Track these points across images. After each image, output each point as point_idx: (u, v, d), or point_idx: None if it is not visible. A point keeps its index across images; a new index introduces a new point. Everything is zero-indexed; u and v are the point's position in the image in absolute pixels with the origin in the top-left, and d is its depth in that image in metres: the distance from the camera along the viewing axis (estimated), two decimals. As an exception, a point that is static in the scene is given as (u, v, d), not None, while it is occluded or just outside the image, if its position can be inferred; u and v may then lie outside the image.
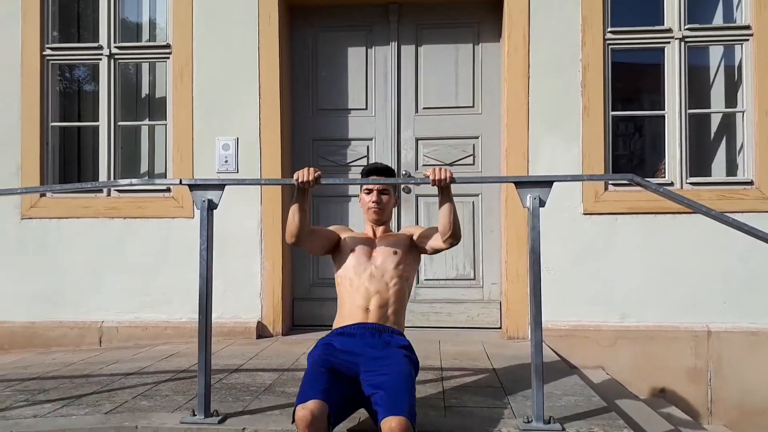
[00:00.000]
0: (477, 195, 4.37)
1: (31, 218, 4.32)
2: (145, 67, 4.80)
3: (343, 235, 2.64)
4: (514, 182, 2.37)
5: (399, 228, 4.21)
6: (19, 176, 4.30)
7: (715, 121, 4.59)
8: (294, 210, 2.44)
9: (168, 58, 4.31)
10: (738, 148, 4.24)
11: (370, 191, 2.60)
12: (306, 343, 3.88)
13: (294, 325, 4.39)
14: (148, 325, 4.17)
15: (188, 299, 4.13)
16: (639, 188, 3.95)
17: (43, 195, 4.34)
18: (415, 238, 2.61)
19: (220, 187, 2.43)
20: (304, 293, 4.43)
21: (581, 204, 4.02)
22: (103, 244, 4.26)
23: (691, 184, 4.03)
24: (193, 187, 2.44)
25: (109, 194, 4.33)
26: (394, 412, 1.96)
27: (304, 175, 2.39)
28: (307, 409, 1.98)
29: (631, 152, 4.99)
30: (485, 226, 4.36)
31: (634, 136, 5.04)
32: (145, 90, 4.84)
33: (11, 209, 4.32)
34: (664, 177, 4.12)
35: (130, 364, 3.43)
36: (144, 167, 4.79)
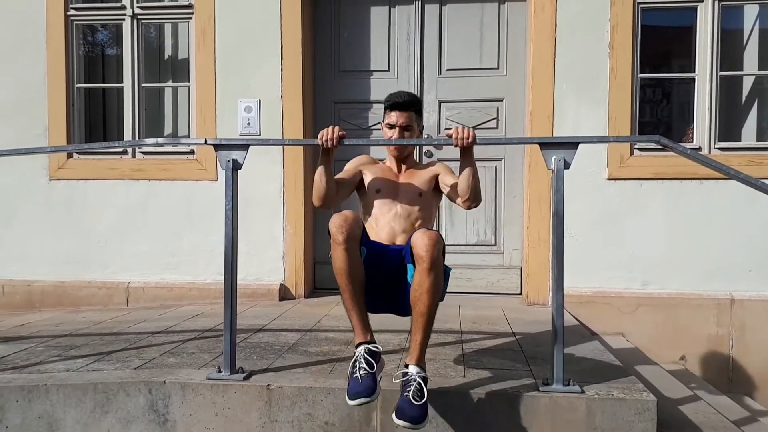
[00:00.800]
0: (500, 159, 4.33)
1: (58, 179, 4.40)
2: (167, 28, 4.78)
3: (364, 172, 2.63)
4: (538, 143, 2.34)
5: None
6: (46, 137, 4.36)
7: (747, 85, 4.45)
8: (320, 173, 2.44)
9: (190, 18, 4.29)
10: (770, 112, 4.13)
11: (391, 126, 2.56)
12: (328, 305, 3.94)
13: (315, 288, 4.44)
14: (174, 286, 4.26)
15: (212, 261, 4.20)
16: (665, 153, 3.93)
17: (70, 156, 4.40)
18: (440, 181, 2.59)
19: (244, 147, 2.44)
20: (325, 257, 4.36)
21: (606, 169, 3.97)
22: (128, 205, 4.33)
23: (719, 149, 3.95)
24: (218, 146, 2.45)
25: (134, 156, 4.38)
26: (424, 233, 2.15)
27: (327, 134, 2.39)
28: (342, 214, 2.19)
29: (658, 119, 4.88)
30: (507, 191, 4.33)
31: (662, 102, 4.91)
32: (167, 51, 4.83)
33: (39, 170, 4.39)
34: (692, 142, 4.04)
35: (156, 323, 3.52)
36: (168, 129, 4.82)
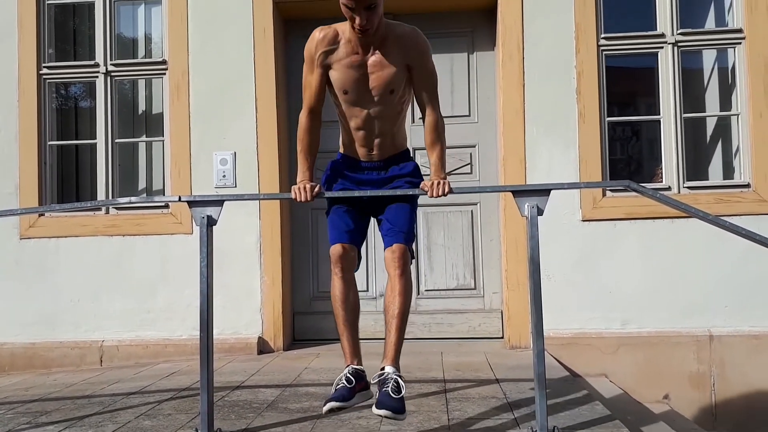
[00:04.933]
0: (476, 204, 4.37)
1: (29, 238, 4.31)
2: (141, 83, 4.81)
3: (329, 65, 2.37)
4: (511, 191, 2.37)
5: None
6: (17, 196, 4.30)
7: (711, 125, 4.60)
8: None
9: (164, 73, 4.33)
10: (734, 151, 4.26)
11: (351, 8, 2.19)
12: (308, 357, 3.87)
13: (295, 339, 4.37)
14: (149, 343, 4.15)
15: (189, 316, 4.12)
16: (636, 194, 4.00)
17: (41, 215, 4.34)
18: (414, 80, 2.41)
19: (219, 203, 2.42)
20: (304, 307, 4.42)
21: (579, 210, 4.03)
22: (102, 262, 4.25)
23: (689, 188, 4.04)
24: (192, 203, 2.43)
25: (107, 212, 4.32)
26: (396, 240, 2.35)
27: (301, 194, 2.39)
28: (339, 246, 2.36)
29: (629, 156, 5.02)
30: (485, 235, 4.36)
31: (631, 140, 5.06)
32: (141, 106, 4.85)
33: (10, 229, 4.30)
34: (662, 181, 4.13)
35: (131, 383, 3.41)
36: (142, 184, 4.79)
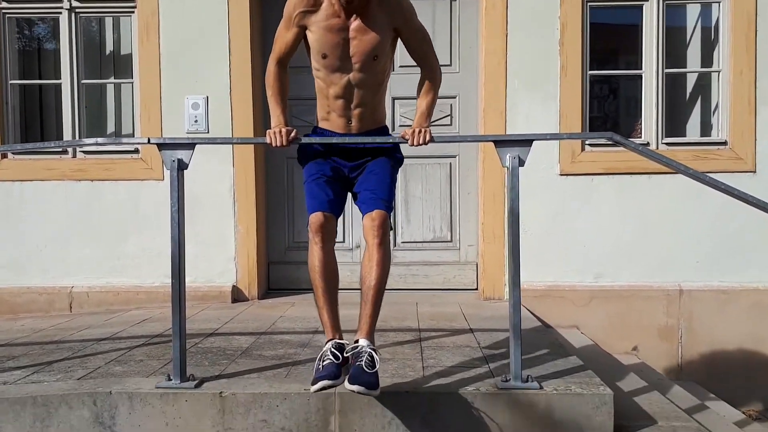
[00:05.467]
0: (454, 156, 4.32)
1: (-8, 181, 4.15)
2: (108, 22, 4.58)
3: (307, 24, 2.26)
4: (493, 141, 2.32)
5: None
6: (-22, 137, 4.11)
7: (691, 82, 4.57)
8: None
9: (132, 12, 4.12)
10: (713, 108, 4.25)
11: None
12: (283, 306, 3.85)
13: (270, 288, 4.34)
14: (120, 290, 4.08)
15: (160, 263, 4.04)
16: (616, 149, 3.99)
17: (4, 156, 4.17)
18: (401, 35, 2.33)
19: (190, 146, 2.33)
20: (279, 257, 4.37)
21: (558, 164, 4.01)
22: (69, 207, 4.12)
23: (666, 144, 4.05)
24: (162, 146, 2.33)
25: (74, 155, 4.18)
26: (374, 207, 2.24)
27: (276, 138, 2.29)
28: (320, 215, 2.23)
29: (605, 114, 4.99)
30: (462, 188, 4.32)
31: (609, 97, 5.02)
32: (109, 47, 4.63)
33: (-30, 172, 4.14)
34: (641, 137, 4.12)
35: (102, 329, 3.36)
36: (111, 128, 4.62)
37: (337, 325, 2.28)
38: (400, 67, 4.27)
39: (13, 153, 4.15)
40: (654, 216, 3.99)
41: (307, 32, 2.29)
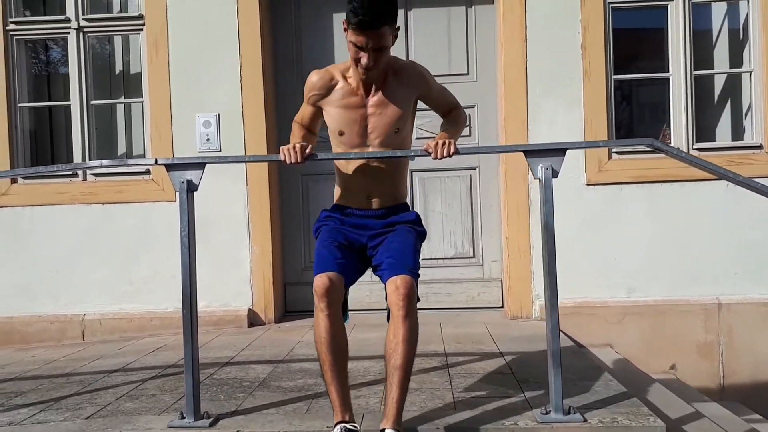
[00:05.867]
0: (474, 168, 4.16)
1: (2, 207, 4.06)
2: (117, 41, 4.50)
3: (324, 106, 2.21)
4: (523, 151, 2.16)
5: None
6: (-13, 162, 4.03)
7: (719, 85, 4.39)
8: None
9: (141, 30, 4.03)
10: (744, 111, 4.06)
11: (360, 48, 2.03)
12: (301, 330, 3.69)
13: (287, 311, 4.19)
14: (133, 316, 3.95)
15: (174, 288, 3.84)
16: (645, 156, 3.82)
17: (14, 181, 4.08)
18: (423, 99, 2.28)
19: (199, 165, 2.20)
20: (296, 278, 4.22)
21: (584, 174, 3.83)
22: (80, 231, 4.01)
23: (698, 149, 3.85)
24: (170, 167, 2.20)
25: (84, 178, 4.07)
26: (398, 272, 1.99)
27: (291, 155, 2.12)
28: (325, 276, 2.00)
29: (630, 119, 4.80)
30: (484, 201, 4.16)
31: (623, 104, 4.83)
32: (118, 66, 4.55)
33: (-20, 198, 4.05)
34: (669, 143, 3.93)
35: (114, 359, 3.22)
36: (122, 148, 4.53)
37: (348, 404, 2.01)
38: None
39: (23, 178, 4.06)
40: (688, 225, 3.78)
41: (324, 112, 2.25)
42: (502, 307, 4.10)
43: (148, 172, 4.02)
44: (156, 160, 2.21)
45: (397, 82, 2.17)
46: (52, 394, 2.64)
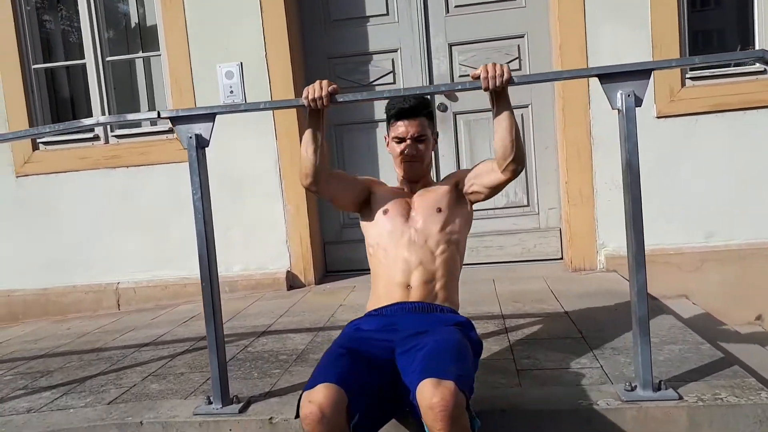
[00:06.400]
0: (526, 106, 3.72)
1: (26, 175, 3.88)
2: (129, -9, 4.18)
3: (372, 189, 2.05)
4: (598, 75, 1.75)
5: (438, 176, 3.56)
6: (6, 127, 3.83)
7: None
8: (306, 140, 1.90)
9: (152, -25, 3.69)
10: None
11: (401, 140, 1.96)
12: (342, 292, 3.43)
13: (328, 271, 3.92)
14: (167, 283, 3.76)
15: (207, 252, 3.68)
16: (724, 80, 3.31)
17: (35, 148, 3.88)
18: (461, 185, 2.00)
19: (208, 117, 1.88)
20: (335, 236, 3.93)
21: (654, 105, 3.36)
22: (107, 197, 3.81)
23: (779, 70, 3.31)
24: (175, 120, 1.90)
25: (107, 141, 3.85)
26: (433, 375, 1.42)
27: (315, 90, 1.83)
28: (314, 403, 1.43)
29: (705, 33, 4.18)
30: (538, 143, 3.73)
31: (710, 12, 4.21)
32: (134, 19, 4.24)
33: (4, 167, 3.88)
34: (754, 63, 3.40)
35: (146, 331, 3.03)
36: (143, 107, 4.26)
37: None
38: (456, 7, 3.70)
39: (44, 144, 3.85)
40: (771, 157, 3.30)
41: (371, 193, 2.05)
42: (561, 258, 3.73)
43: (171, 131, 3.75)
44: (159, 113, 1.90)
45: (441, 182, 2.10)
46: (78, 374, 2.46)
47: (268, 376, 2.17)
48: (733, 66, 3.42)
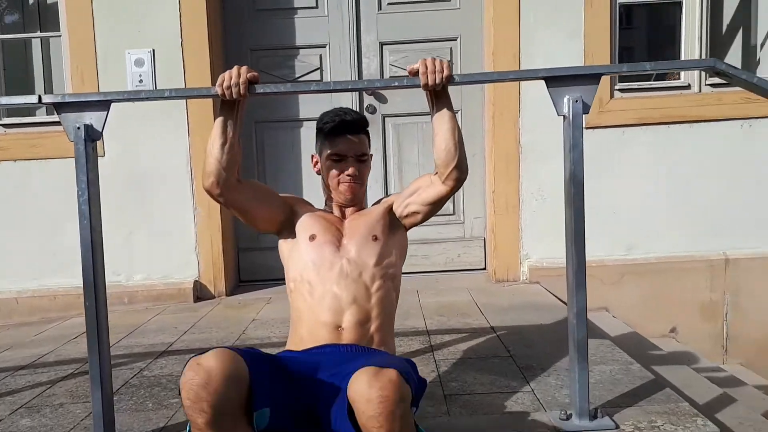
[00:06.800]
0: (456, 111, 3.57)
1: None
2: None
3: (295, 209, 1.77)
4: (544, 78, 1.62)
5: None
6: None
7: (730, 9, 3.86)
8: (215, 132, 1.62)
9: (49, -55, 3.30)
10: (761, 40, 3.59)
11: (340, 158, 1.71)
12: (256, 304, 3.17)
13: (241, 281, 3.65)
14: (57, 293, 3.36)
15: (106, 258, 3.31)
16: (650, 93, 3.34)
17: None
18: (396, 206, 1.76)
19: (102, 105, 1.60)
20: (250, 242, 3.65)
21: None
22: (-11, 194, 3.37)
23: (711, 85, 3.36)
24: (60, 106, 1.60)
25: (-8, 131, 3.41)
26: (376, 364, 1.26)
27: (230, 77, 1.57)
28: (202, 366, 1.22)
29: (630, 49, 4.27)
30: (466, 150, 3.62)
31: (638, 29, 4.30)
32: (30, -6, 3.80)
33: None
34: (678, 78, 3.46)
35: (25, 350, 2.65)
36: (39, 91, 3.82)
37: None
38: (389, 4, 3.54)
39: None
40: (695, 173, 3.35)
41: (294, 213, 1.77)
42: (484, 269, 3.64)
43: (67, 120, 3.36)
44: (40, 98, 1.60)
45: (374, 205, 1.83)
46: (-63, 402, 2.08)
47: (165, 407, 1.90)
48: (654, 80, 3.48)
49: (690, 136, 3.33)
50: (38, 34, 3.74)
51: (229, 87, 1.58)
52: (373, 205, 1.84)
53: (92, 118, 1.61)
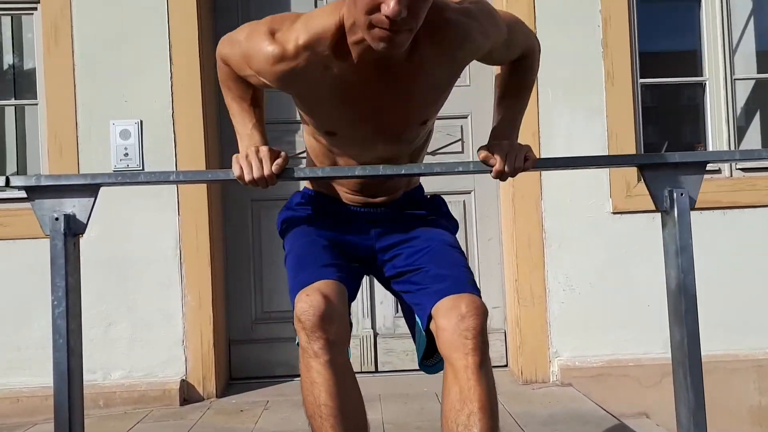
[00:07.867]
0: (469, 192, 3.37)
1: None
2: (5, 23, 3.48)
3: (295, 84, 1.30)
4: (638, 165, 1.35)
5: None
6: None
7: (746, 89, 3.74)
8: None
9: (35, 9, 3.05)
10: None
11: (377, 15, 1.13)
12: (253, 410, 2.75)
13: (232, 378, 3.23)
14: (21, 394, 2.90)
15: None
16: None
17: None
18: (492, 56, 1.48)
19: (88, 189, 1.27)
20: (243, 333, 3.26)
21: (609, 200, 3.10)
22: (-52, 278, 2.96)
23: (742, 169, 3.18)
24: (33, 190, 1.27)
25: (-47, 208, 3.04)
26: (459, 290, 1.31)
27: (253, 168, 1.28)
28: (317, 293, 1.24)
29: (655, 127, 4.13)
30: (481, 234, 3.36)
31: (661, 112, 4.19)
32: (8, 59, 3.53)
33: None
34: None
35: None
36: (11, 167, 3.50)
37: None
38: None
39: None
40: (737, 262, 3.10)
41: (295, 95, 1.38)
42: (506, 365, 3.29)
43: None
44: (8, 180, 1.27)
45: (434, 44, 1.27)
46: None
47: None
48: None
49: (726, 223, 3.11)
50: (12, 101, 3.44)
51: (253, 181, 1.29)
52: (442, 43, 1.30)
53: (75, 205, 1.29)
